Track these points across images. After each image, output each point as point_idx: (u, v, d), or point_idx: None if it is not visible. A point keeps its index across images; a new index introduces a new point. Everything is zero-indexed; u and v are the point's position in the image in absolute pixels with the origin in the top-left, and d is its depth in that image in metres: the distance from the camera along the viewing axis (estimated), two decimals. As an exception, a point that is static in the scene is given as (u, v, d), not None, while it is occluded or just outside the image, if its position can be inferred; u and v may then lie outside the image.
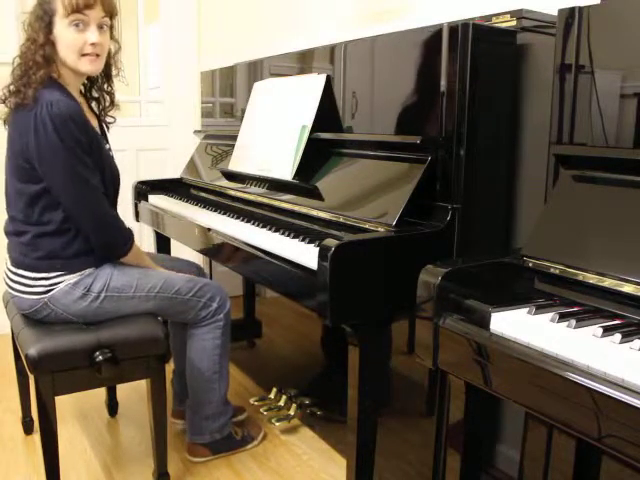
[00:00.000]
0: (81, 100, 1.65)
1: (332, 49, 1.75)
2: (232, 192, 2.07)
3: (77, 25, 1.50)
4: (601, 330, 0.90)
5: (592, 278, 1.01)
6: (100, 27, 1.53)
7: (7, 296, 1.72)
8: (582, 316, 0.97)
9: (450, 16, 1.51)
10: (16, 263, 1.61)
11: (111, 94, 1.75)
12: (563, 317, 0.96)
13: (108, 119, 1.79)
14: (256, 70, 2.18)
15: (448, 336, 1.03)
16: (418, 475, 1.57)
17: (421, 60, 1.43)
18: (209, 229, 1.80)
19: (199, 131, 2.67)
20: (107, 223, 1.59)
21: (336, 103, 1.73)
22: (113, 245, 1.63)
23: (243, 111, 2.13)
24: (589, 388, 0.80)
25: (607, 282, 0.99)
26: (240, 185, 2.02)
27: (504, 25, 1.41)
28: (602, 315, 0.98)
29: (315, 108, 1.71)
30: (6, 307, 1.79)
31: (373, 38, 1.59)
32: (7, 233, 1.64)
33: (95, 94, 1.74)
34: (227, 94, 2.45)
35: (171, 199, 2.36)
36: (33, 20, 1.53)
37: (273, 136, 1.86)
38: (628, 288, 0.96)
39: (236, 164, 2.03)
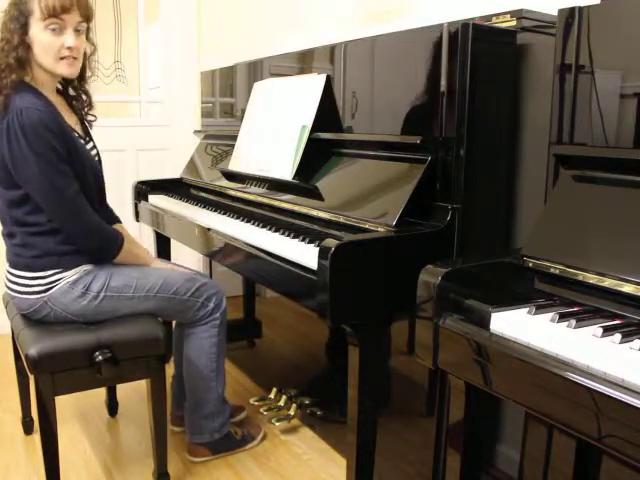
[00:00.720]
0: (59, 100, 1.64)
1: (332, 49, 1.75)
2: (232, 192, 2.07)
3: (54, 29, 1.49)
4: (601, 330, 0.90)
5: (592, 278, 1.01)
6: (76, 30, 1.53)
7: (7, 297, 1.72)
8: (582, 316, 0.97)
9: (450, 16, 1.51)
10: (13, 264, 1.61)
11: (87, 93, 1.74)
12: (563, 317, 0.96)
13: (90, 117, 1.77)
14: (256, 70, 2.18)
15: (448, 336, 1.03)
16: (418, 475, 1.57)
17: (421, 60, 1.43)
18: (209, 229, 1.80)
19: (199, 131, 2.67)
20: (90, 231, 1.58)
21: (336, 103, 1.73)
22: (101, 250, 1.64)
23: (243, 111, 2.13)
24: (589, 388, 0.80)
25: (607, 282, 0.99)
26: (240, 185, 2.02)
27: (504, 25, 1.41)
28: (602, 315, 0.98)
29: (315, 108, 1.71)
30: (6, 307, 1.79)
31: (373, 38, 1.59)
32: (2, 235, 1.65)
33: (72, 93, 1.73)
34: (227, 94, 2.45)
35: (171, 199, 2.36)
36: (7, 20, 1.50)
37: (273, 136, 1.86)
38: (628, 288, 0.96)
39: (236, 164, 2.03)
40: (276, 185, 1.83)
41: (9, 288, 1.64)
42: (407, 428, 1.61)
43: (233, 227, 1.73)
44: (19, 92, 1.49)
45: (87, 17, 1.55)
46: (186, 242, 2.06)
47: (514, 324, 0.97)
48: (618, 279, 0.98)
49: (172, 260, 2.48)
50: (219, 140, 2.42)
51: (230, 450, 1.91)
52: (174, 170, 2.84)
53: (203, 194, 2.34)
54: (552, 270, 1.07)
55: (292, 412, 2.04)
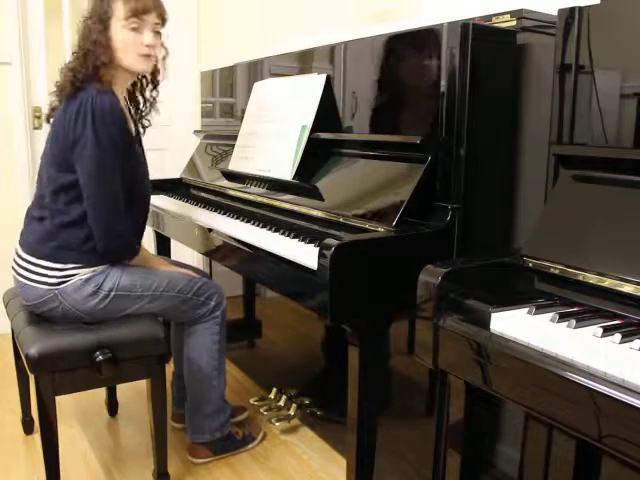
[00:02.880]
0: (123, 104, 1.69)
1: (332, 49, 1.75)
2: (232, 192, 2.07)
3: (134, 28, 1.58)
4: (601, 330, 0.90)
5: (592, 278, 1.01)
6: (154, 31, 1.63)
7: (8, 294, 1.72)
8: (582, 316, 0.97)
9: (450, 16, 1.51)
10: (31, 251, 1.61)
11: (154, 100, 1.84)
12: (563, 317, 0.96)
13: (145, 122, 1.84)
14: (256, 70, 2.19)
15: (448, 336, 1.03)
16: (418, 475, 1.57)
17: (421, 60, 1.43)
18: (209, 229, 1.80)
19: (199, 131, 2.67)
20: (112, 233, 1.59)
21: (336, 103, 1.73)
22: (115, 254, 1.65)
23: (243, 111, 2.13)
24: (589, 388, 0.80)
25: (607, 282, 0.99)
26: (240, 185, 2.02)
27: (504, 25, 1.41)
28: (602, 315, 0.98)
29: (315, 108, 1.71)
30: (6, 307, 1.79)
31: (373, 38, 1.59)
32: (31, 217, 1.65)
33: (139, 98, 1.82)
34: (227, 94, 2.45)
35: (171, 199, 2.36)
36: (92, 23, 1.58)
37: (273, 136, 1.86)
38: (628, 288, 0.96)
39: (236, 164, 2.03)
40: (276, 185, 1.83)
41: (20, 275, 1.62)
42: (407, 428, 1.61)
43: (233, 227, 1.74)
44: (94, 83, 1.56)
45: (163, 19, 1.67)
46: (186, 242, 2.06)
47: (514, 324, 0.97)
48: (618, 279, 0.98)
49: (172, 259, 2.48)
50: (219, 140, 2.42)
51: (231, 450, 1.91)
52: (174, 170, 2.84)
53: (203, 194, 2.34)
54: (552, 270, 1.07)
55: (292, 412, 2.04)
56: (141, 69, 1.65)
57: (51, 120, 1.64)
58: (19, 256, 1.64)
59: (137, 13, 1.58)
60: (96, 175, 1.53)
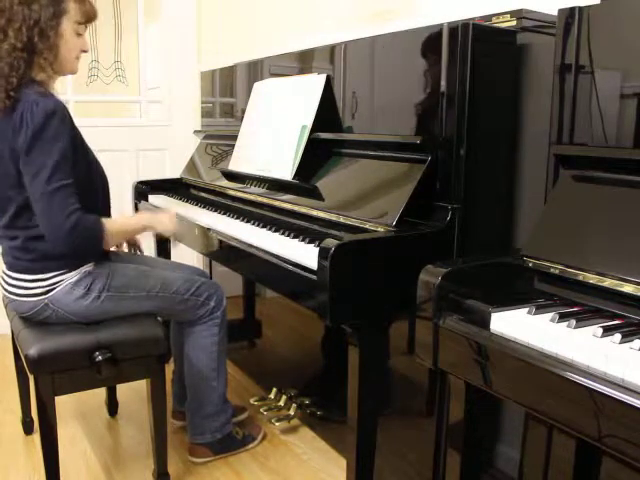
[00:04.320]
0: None
1: (332, 49, 1.75)
2: (232, 192, 2.07)
3: (79, 33, 1.57)
4: (601, 330, 0.90)
5: (592, 278, 1.01)
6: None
7: (6, 300, 1.72)
8: (582, 316, 0.97)
9: (450, 16, 1.51)
10: (11, 267, 1.60)
11: None
12: (563, 317, 0.96)
13: None
14: (256, 70, 2.18)
15: (448, 336, 1.03)
16: (418, 475, 1.57)
17: (421, 60, 1.43)
18: (209, 229, 1.80)
19: (199, 131, 2.67)
20: (70, 228, 1.45)
21: (336, 103, 1.73)
22: (86, 244, 1.52)
23: (243, 111, 2.13)
24: (589, 388, 0.80)
25: (607, 282, 0.99)
26: (240, 185, 2.02)
27: (504, 25, 1.41)
28: (602, 315, 0.98)
29: (315, 108, 1.71)
30: (6, 307, 1.79)
31: (373, 38, 1.59)
32: (3, 238, 1.62)
33: None
34: (227, 94, 2.45)
35: (171, 199, 2.36)
36: (42, 12, 1.47)
37: (273, 136, 1.86)
38: (628, 288, 0.96)
39: (236, 164, 2.03)
40: (276, 185, 1.83)
41: (7, 291, 1.63)
42: (407, 428, 1.61)
43: (233, 227, 1.74)
44: (31, 87, 1.47)
45: None
46: (186, 242, 2.06)
47: (514, 324, 0.97)
48: (618, 279, 0.98)
49: (172, 260, 2.48)
50: (219, 140, 2.42)
51: (231, 450, 1.91)
52: (174, 170, 2.84)
53: (203, 194, 2.34)
54: (552, 270, 1.07)
55: (292, 412, 2.04)
56: (75, 71, 1.62)
57: None
58: (5, 273, 1.64)
59: (90, 20, 1.58)
60: (35, 178, 1.44)
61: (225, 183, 2.12)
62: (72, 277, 1.58)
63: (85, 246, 1.52)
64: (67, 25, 1.52)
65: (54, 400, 1.54)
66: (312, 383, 2.08)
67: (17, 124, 1.44)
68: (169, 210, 1.80)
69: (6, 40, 1.46)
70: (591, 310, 1.01)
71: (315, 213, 1.60)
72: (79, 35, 1.56)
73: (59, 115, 1.45)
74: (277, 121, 1.87)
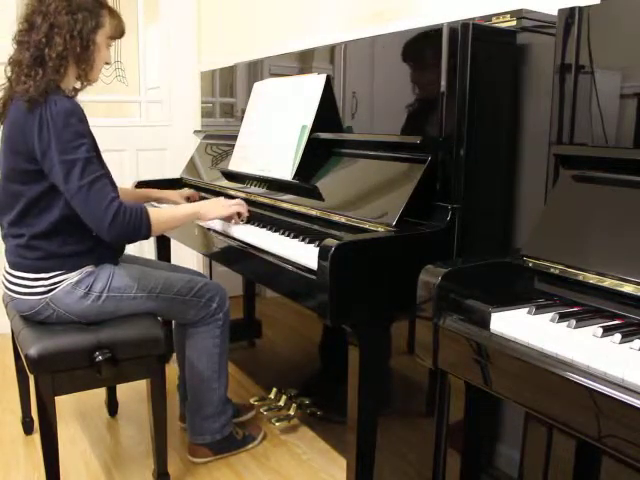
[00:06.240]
0: None
1: (332, 49, 1.75)
2: (232, 192, 2.07)
3: (110, 46, 1.65)
4: (601, 330, 0.90)
5: (592, 278, 1.01)
6: None
7: (7, 298, 1.72)
8: (582, 316, 0.97)
9: (450, 16, 1.51)
10: (14, 265, 1.60)
11: None
12: (563, 317, 0.96)
13: None
14: (256, 70, 2.18)
15: (448, 336, 1.03)
16: (418, 475, 1.57)
17: (421, 60, 1.43)
18: (209, 229, 1.80)
19: (199, 131, 2.67)
20: (114, 212, 1.47)
21: (336, 103, 1.73)
22: (127, 238, 1.56)
23: (243, 111, 2.13)
24: (589, 388, 0.80)
25: (607, 282, 0.99)
26: (240, 185, 2.02)
27: (504, 25, 1.41)
28: (602, 315, 0.98)
29: (315, 108, 1.71)
30: (6, 307, 1.79)
31: (373, 38, 1.59)
32: (8, 236, 1.63)
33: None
34: (227, 94, 2.45)
35: (171, 199, 2.35)
36: (82, 17, 1.52)
37: (273, 136, 1.86)
38: (628, 288, 0.96)
39: (236, 164, 2.03)
40: (276, 185, 1.83)
41: (9, 289, 1.63)
42: (407, 428, 1.61)
43: (233, 227, 1.73)
44: (53, 94, 1.50)
45: None
46: (186, 242, 2.06)
47: (514, 324, 0.97)
48: (618, 279, 0.98)
49: (172, 261, 2.48)
50: (219, 140, 2.42)
51: (231, 451, 1.91)
52: (174, 170, 2.84)
53: (203, 194, 2.34)
54: (552, 270, 1.07)
55: (292, 412, 2.04)
56: (96, 80, 1.68)
57: None
58: (7, 272, 1.64)
59: (120, 35, 1.66)
60: (69, 173, 1.46)
61: (225, 183, 2.12)
62: (73, 277, 1.58)
63: (131, 233, 1.52)
64: (102, 38, 1.59)
65: (54, 400, 1.54)
66: (312, 383, 2.08)
67: (36, 123, 1.46)
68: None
69: (52, 46, 1.50)
70: (591, 310, 1.01)
71: (315, 213, 1.60)
72: (108, 49, 1.64)
73: (77, 115, 1.49)
74: (277, 121, 1.87)
